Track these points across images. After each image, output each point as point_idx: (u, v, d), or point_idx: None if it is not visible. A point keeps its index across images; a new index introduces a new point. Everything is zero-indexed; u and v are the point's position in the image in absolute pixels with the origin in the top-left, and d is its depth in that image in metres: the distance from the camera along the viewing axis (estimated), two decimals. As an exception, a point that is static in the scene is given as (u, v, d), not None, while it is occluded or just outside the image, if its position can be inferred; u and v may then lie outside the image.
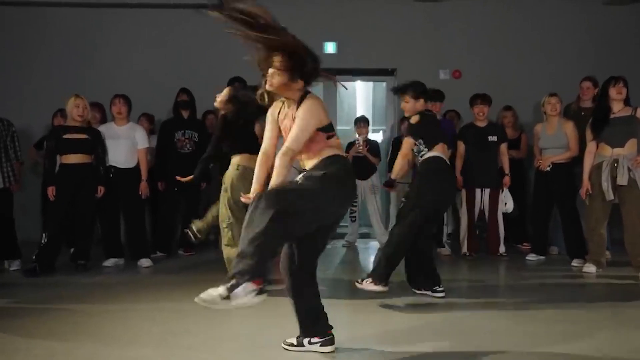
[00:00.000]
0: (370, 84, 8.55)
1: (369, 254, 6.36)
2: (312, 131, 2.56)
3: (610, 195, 4.71)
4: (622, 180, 4.64)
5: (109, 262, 5.35)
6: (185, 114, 6.06)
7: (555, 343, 2.97)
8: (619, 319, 3.53)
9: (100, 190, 5.13)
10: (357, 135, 6.71)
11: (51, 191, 4.95)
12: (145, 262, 5.33)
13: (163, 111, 6.83)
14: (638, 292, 4.26)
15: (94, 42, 7.34)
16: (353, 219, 6.77)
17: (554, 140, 5.45)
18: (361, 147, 6.59)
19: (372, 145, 6.71)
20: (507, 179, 5.73)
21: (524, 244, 6.17)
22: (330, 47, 7.40)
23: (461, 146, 5.80)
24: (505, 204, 5.72)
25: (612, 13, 7.49)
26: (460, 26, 7.52)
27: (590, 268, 4.91)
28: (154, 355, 2.85)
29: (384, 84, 7.89)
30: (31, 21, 7.30)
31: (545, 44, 7.47)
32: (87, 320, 3.51)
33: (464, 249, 5.83)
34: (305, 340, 2.77)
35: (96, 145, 5.15)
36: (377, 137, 8.66)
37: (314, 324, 2.75)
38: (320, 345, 2.75)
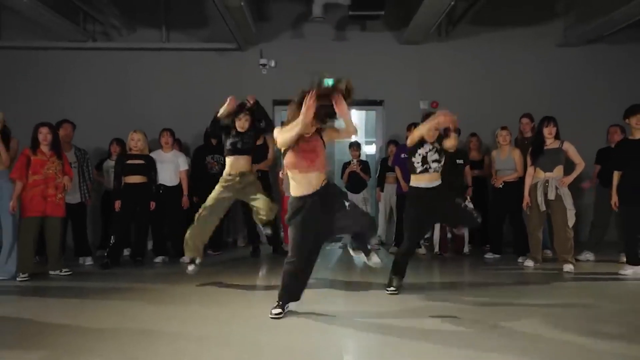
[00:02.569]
0: (363, 112, 9.99)
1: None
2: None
3: (543, 207, 6.11)
4: (552, 196, 6.02)
5: (158, 259, 6.77)
6: (213, 141, 7.39)
7: (494, 307, 4.43)
8: (540, 292, 5.02)
9: (152, 204, 6.53)
10: (351, 156, 8.18)
11: (118, 204, 6.38)
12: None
13: (188, 135, 8.27)
14: (557, 278, 5.68)
15: (135, 80, 8.72)
16: (348, 225, 8.17)
17: (505, 163, 6.87)
18: (355, 166, 8.06)
19: (364, 165, 8.16)
20: (469, 190, 7.16)
21: (486, 245, 7.62)
22: (328, 82, 8.80)
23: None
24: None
25: (563, 54, 8.90)
26: (438, 65, 8.89)
27: (529, 263, 6.35)
28: (204, 311, 4.29)
29: (374, 112, 9.34)
30: (84, 63, 8.70)
31: (507, 80, 8.86)
32: (159, 294, 4.94)
33: (437, 249, 7.30)
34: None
35: (150, 168, 6.56)
36: (370, 148, 10.19)
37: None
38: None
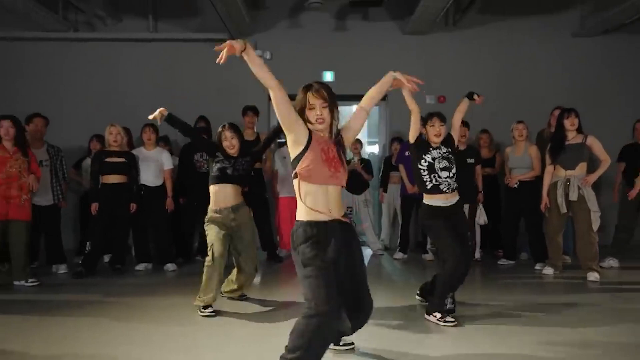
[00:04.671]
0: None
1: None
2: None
3: (563, 209, 5.56)
4: (573, 196, 5.46)
5: (140, 267, 6.17)
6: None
7: (513, 322, 3.86)
8: (565, 306, 4.40)
9: (133, 206, 5.96)
10: (351, 154, 7.59)
11: (94, 207, 5.81)
12: (170, 267, 6.17)
13: (176, 132, 7.65)
14: (582, 289, 5.12)
15: (120, 73, 8.16)
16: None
17: (521, 161, 6.29)
18: (356, 165, 7.45)
19: (366, 164, 7.58)
20: (480, 196, 6.58)
21: (499, 250, 7.04)
22: (328, 76, 8.15)
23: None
24: (479, 217, 6.59)
25: (579, 45, 8.32)
26: (444, 57, 8.32)
27: (549, 270, 5.78)
28: (185, 331, 3.74)
29: (377, 107, 8.75)
30: (65, 55, 8.13)
31: (520, 73, 8.28)
32: (128, 310, 4.36)
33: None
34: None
35: (131, 167, 5.98)
36: (373, 148, 9.61)
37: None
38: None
